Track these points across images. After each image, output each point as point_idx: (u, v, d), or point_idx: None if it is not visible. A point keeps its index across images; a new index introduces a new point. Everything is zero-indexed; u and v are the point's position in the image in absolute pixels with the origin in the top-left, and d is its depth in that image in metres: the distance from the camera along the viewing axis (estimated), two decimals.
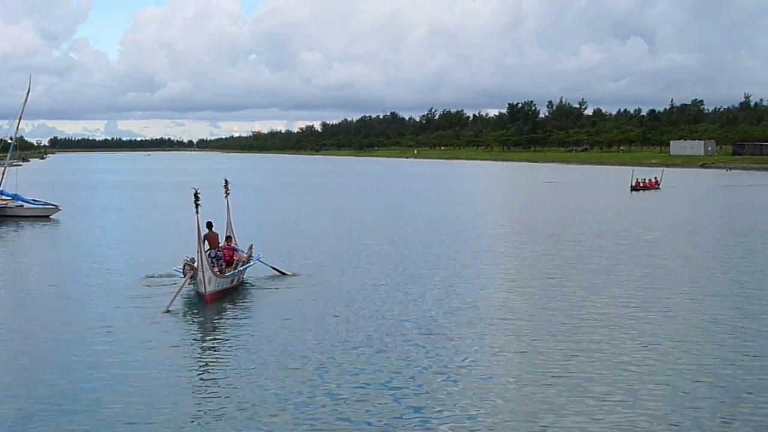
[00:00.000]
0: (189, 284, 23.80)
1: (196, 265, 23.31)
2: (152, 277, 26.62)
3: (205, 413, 13.86)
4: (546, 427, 12.99)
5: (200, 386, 15.46)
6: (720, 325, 19.83)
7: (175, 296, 22.55)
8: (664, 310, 21.58)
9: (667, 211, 54.11)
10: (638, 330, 19.19)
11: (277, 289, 25.32)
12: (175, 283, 24.17)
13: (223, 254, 25.79)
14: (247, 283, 26.14)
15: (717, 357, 16.95)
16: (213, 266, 23.89)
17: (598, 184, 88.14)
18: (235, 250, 26.90)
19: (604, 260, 30.52)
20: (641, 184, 78.00)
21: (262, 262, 27.51)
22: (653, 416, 13.37)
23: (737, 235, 39.90)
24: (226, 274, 24.59)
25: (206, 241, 24.46)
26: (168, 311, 21.60)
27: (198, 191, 22.97)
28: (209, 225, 25.65)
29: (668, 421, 13.16)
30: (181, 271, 24.45)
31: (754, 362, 16.59)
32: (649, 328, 19.43)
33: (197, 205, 23.08)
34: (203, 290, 22.86)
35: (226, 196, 28.39)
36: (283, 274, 27.24)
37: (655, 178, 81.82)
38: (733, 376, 15.56)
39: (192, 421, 13.48)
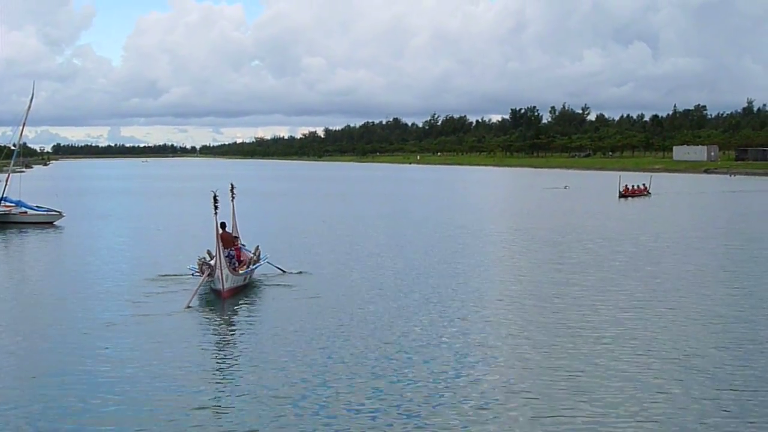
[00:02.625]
0: (207, 281, 25.00)
1: (212, 263, 24.81)
2: (165, 276, 27.62)
3: (227, 404, 14.46)
4: None
5: (222, 377, 16.24)
6: (731, 334, 19.72)
7: (195, 293, 23.77)
8: (668, 321, 21.49)
9: (656, 220, 53.41)
10: (650, 344, 19.01)
11: (285, 287, 26.27)
12: (187, 282, 25.62)
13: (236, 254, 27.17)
14: (257, 281, 27.17)
15: (729, 364, 16.84)
16: (229, 264, 24.95)
17: (597, 190, 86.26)
18: (241, 250, 28.13)
19: (597, 271, 30.43)
20: (629, 191, 75.79)
21: (269, 263, 28.60)
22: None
23: (737, 242, 39.62)
24: (240, 272, 25.83)
25: (221, 241, 25.27)
26: (189, 307, 22.75)
27: (217, 194, 24.51)
28: (223, 225, 26.68)
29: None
30: (196, 269, 25.86)
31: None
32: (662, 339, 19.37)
33: (216, 207, 24.56)
34: (221, 287, 24.10)
35: (232, 200, 29.14)
36: (285, 272, 28.44)
37: (644, 184, 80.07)
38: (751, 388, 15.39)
39: (215, 412, 14.00)
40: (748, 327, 20.14)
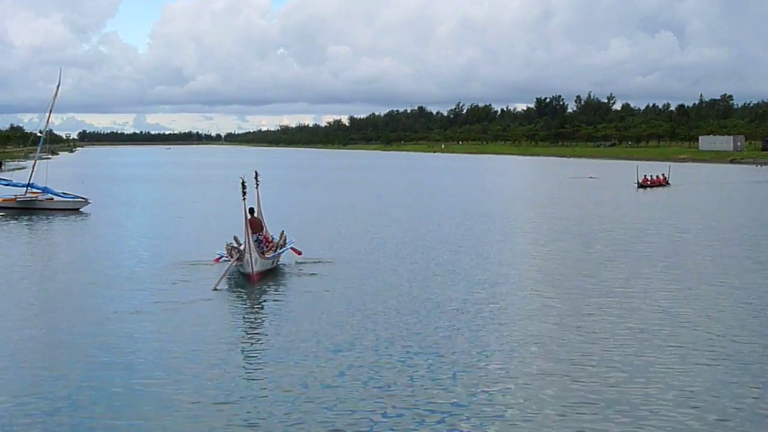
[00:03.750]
0: (236, 265, 25.69)
1: (242, 247, 25.65)
2: (191, 263, 28.05)
3: (253, 386, 14.75)
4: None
5: (251, 358, 16.76)
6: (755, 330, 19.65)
7: (223, 275, 24.54)
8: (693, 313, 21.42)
9: (671, 210, 53.19)
10: (674, 339, 18.98)
11: (310, 273, 26.61)
12: (212, 269, 26.21)
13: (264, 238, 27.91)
14: (282, 265, 27.71)
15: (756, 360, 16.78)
16: (257, 248, 25.58)
17: (621, 180, 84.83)
18: (267, 235, 28.96)
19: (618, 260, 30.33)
20: (649, 181, 74.69)
21: (293, 249, 28.98)
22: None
23: (758, 233, 39.38)
24: (268, 256, 26.42)
25: (249, 226, 25.78)
26: (216, 289, 23.49)
27: (244, 180, 25.21)
28: (251, 211, 27.28)
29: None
30: (225, 254, 26.86)
31: None
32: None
33: (244, 193, 25.38)
34: (250, 270, 24.71)
35: (257, 187, 29.59)
36: (297, 252, 28.95)
37: (663, 174, 78.60)
38: None
39: (242, 396, 14.19)
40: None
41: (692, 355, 16.61)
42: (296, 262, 28.15)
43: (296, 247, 29.04)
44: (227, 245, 27.37)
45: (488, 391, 14.39)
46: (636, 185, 72.97)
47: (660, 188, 73.79)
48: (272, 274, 26.24)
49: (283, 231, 29.89)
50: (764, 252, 31.99)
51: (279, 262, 27.63)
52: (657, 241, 34.85)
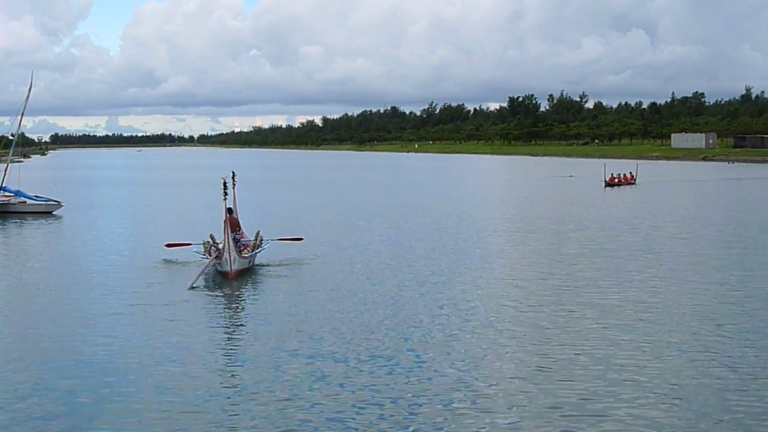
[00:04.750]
0: (214, 263, 26.16)
1: (220, 246, 26.04)
2: (166, 263, 28.54)
3: (236, 385, 14.79)
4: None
5: (230, 358, 16.87)
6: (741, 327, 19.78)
7: (200, 274, 24.88)
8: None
9: (635, 208, 53.46)
10: (660, 338, 19.10)
11: (284, 270, 27.28)
12: (187, 267, 26.93)
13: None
14: (258, 264, 28.02)
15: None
16: (235, 247, 26.05)
17: (596, 179, 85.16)
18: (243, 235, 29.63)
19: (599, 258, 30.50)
20: (616, 180, 74.82)
21: (272, 240, 30.02)
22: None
23: (731, 231, 39.63)
24: (245, 255, 26.96)
25: (228, 225, 26.26)
26: (192, 288, 23.81)
27: (226, 180, 26.39)
28: (230, 210, 27.85)
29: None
30: (202, 252, 27.54)
31: None
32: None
33: (225, 193, 26.34)
34: (228, 269, 25.34)
35: (233, 187, 29.76)
36: (297, 239, 31.19)
37: (630, 172, 78.43)
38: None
39: (225, 395, 14.21)
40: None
41: (668, 351, 16.74)
42: (270, 261, 28.49)
43: (284, 237, 31.15)
44: (204, 243, 27.96)
45: (465, 391, 14.35)
46: (603, 183, 72.94)
47: (627, 186, 73.82)
48: (249, 272, 26.61)
49: (258, 231, 30.11)
50: (723, 246, 32.68)
51: (254, 263, 27.89)
52: (618, 238, 35.11)
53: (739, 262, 28.41)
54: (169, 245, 29.58)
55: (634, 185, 75.13)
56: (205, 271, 25.58)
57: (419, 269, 27.17)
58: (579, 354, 16.50)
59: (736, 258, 29.53)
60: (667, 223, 41.84)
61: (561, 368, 15.52)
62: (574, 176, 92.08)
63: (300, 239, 31.31)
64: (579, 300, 21.87)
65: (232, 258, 25.30)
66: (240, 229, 29.10)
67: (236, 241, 26.85)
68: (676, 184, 79.31)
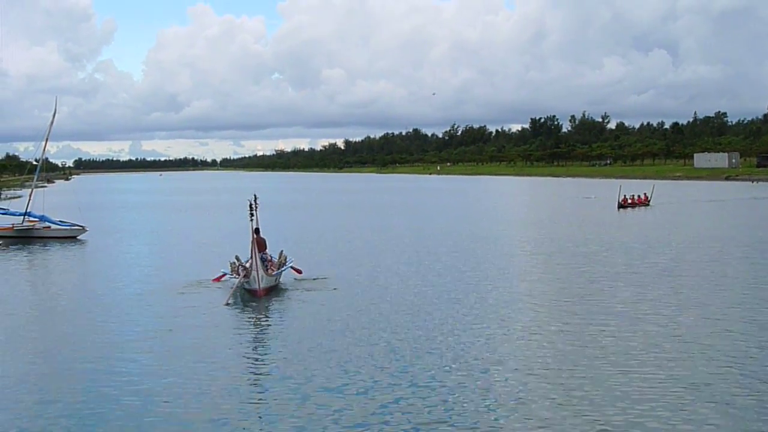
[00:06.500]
0: (242, 282, 27.19)
1: (248, 265, 27.28)
2: (191, 286, 28.97)
3: (270, 396, 15.68)
4: None
5: (261, 369, 17.85)
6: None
7: (233, 292, 26.14)
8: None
9: (654, 231, 52.89)
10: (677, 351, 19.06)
11: (309, 290, 27.97)
12: (212, 290, 27.75)
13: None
14: (283, 283, 29.09)
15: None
16: (262, 266, 27.07)
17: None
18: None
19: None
20: (629, 201, 72.96)
21: (294, 268, 30.42)
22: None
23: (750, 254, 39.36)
24: (272, 274, 28.04)
25: (255, 245, 27.23)
26: (227, 304, 25.06)
27: (252, 202, 27.45)
28: (257, 231, 28.42)
29: None
30: (230, 272, 28.87)
31: None
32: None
33: (252, 214, 27.35)
34: (257, 287, 26.42)
35: (256, 209, 29.87)
36: (297, 271, 30.55)
37: (645, 193, 76.57)
38: None
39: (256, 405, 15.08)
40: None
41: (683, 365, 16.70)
42: (295, 279, 29.55)
43: (296, 267, 30.39)
44: (231, 264, 29.19)
45: (485, 410, 14.50)
46: (617, 205, 70.73)
47: (641, 208, 72.04)
48: (276, 290, 27.77)
49: (282, 251, 30.96)
50: (738, 266, 32.54)
51: (279, 281, 28.84)
52: (613, 260, 34.80)
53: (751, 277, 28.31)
54: (215, 280, 29.34)
55: (647, 206, 73.15)
56: (236, 289, 26.58)
57: (442, 292, 27.29)
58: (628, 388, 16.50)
59: (750, 275, 29.39)
60: (674, 245, 40.77)
61: (595, 404, 15.50)
62: (594, 198, 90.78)
63: (300, 271, 30.37)
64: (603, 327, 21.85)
65: (260, 276, 26.32)
66: (266, 248, 29.60)
67: (264, 260, 27.78)
68: (694, 204, 78.03)
